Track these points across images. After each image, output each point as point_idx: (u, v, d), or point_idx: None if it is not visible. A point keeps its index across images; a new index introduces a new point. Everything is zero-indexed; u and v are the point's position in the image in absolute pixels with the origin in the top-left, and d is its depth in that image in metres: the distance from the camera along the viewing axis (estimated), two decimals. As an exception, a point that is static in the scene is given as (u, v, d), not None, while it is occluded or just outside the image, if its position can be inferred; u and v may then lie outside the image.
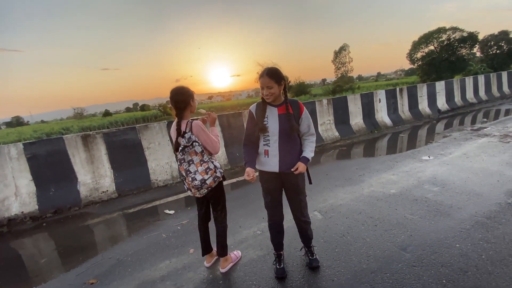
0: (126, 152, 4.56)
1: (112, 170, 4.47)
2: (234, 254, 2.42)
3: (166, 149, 4.84)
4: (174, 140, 2.07)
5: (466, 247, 2.17)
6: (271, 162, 1.95)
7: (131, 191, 4.47)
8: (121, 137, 4.53)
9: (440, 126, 7.15)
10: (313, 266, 2.13)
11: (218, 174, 2.06)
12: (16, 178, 3.93)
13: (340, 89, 45.21)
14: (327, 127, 6.55)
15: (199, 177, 1.98)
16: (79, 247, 3.06)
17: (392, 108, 7.71)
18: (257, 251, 2.48)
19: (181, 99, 2.02)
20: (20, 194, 3.94)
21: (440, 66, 28.86)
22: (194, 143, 1.97)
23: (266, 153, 1.94)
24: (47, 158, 4.08)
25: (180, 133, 2.00)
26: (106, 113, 79.62)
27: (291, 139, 1.93)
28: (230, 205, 2.49)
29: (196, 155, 1.99)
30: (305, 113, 2.02)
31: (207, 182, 2.00)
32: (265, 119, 1.92)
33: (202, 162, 2.00)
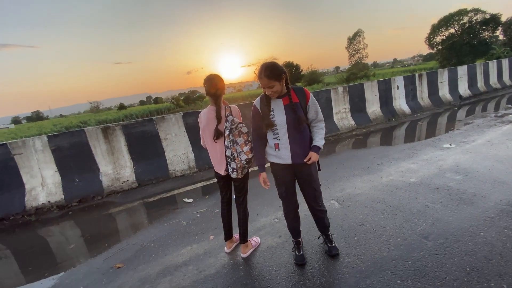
0: (144, 143, 4.68)
1: (131, 161, 4.61)
2: (254, 240, 2.47)
3: (183, 140, 4.93)
4: (211, 128, 2.13)
5: (491, 235, 2.11)
6: (282, 155, 1.94)
7: (150, 181, 4.61)
8: (139, 128, 4.64)
9: (461, 113, 6.85)
10: (332, 254, 2.14)
11: (251, 155, 2.11)
12: (42, 169, 4.14)
13: (354, 76, 43.98)
14: (343, 116, 6.43)
15: (244, 156, 2.06)
16: (104, 234, 3.22)
17: (411, 95, 7.44)
18: (276, 239, 2.52)
19: (221, 85, 2.10)
20: (47, 185, 4.15)
21: (461, 50, 27.41)
22: (239, 125, 2.07)
23: (277, 146, 1.93)
24: (70, 149, 4.26)
25: (220, 120, 2.08)
26: (121, 107, 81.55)
27: (300, 129, 1.90)
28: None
29: (240, 136, 2.07)
30: (312, 99, 1.98)
31: (252, 160, 2.10)
32: (271, 113, 1.89)
33: (247, 142, 2.08)
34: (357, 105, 6.63)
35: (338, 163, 4.33)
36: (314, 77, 54.53)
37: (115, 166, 4.51)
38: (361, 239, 2.31)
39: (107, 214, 3.76)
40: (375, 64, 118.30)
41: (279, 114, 1.87)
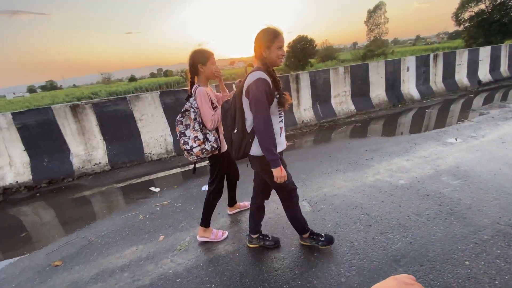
0: (118, 124, 4.36)
1: (104, 142, 4.33)
2: (218, 234, 2.33)
3: (160, 121, 4.57)
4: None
5: (478, 266, 1.72)
6: (283, 139, 1.78)
7: (124, 164, 4.36)
8: (112, 107, 4.30)
9: (477, 101, 6.12)
10: (278, 241, 2.13)
11: (207, 147, 1.99)
12: (9, 148, 3.92)
13: (371, 54, 41.52)
14: (342, 100, 5.85)
15: (190, 142, 1.99)
16: (61, 222, 3.02)
17: (422, 78, 6.69)
18: (228, 246, 2.22)
19: (190, 62, 1.98)
20: (15, 164, 3.96)
21: (490, 28, 24.93)
22: (190, 109, 1.95)
23: (281, 130, 1.73)
24: (38, 128, 4.00)
25: (187, 97, 2.01)
26: (132, 79, 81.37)
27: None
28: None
29: (191, 121, 1.98)
30: None
31: (194, 150, 1.99)
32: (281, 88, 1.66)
33: (193, 130, 1.98)
34: (360, 88, 6.00)
35: (325, 154, 3.91)
36: (329, 53, 51.99)
37: (86, 147, 4.25)
38: (320, 256, 1.96)
39: (71, 199, 3.56)
40: (395, 41, 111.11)
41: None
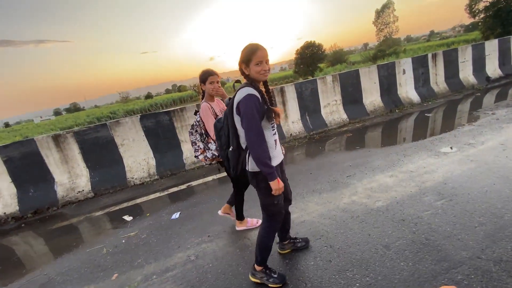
0: (100, 150, 4.39)
1: (87, 169, 4.36)
2: (253, 222, 2.65)
3: (142, 145, 4.56)
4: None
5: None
6: (279, 151, 1.79)
7: (107, 190, 4.35)
8: (93, 135, 4.34)
9: (484, 100, 5.63)
10: (308, 240, 2.19)
11: (209, 155, 2.33)
12: (-5, 181, 4.04)
13: (382, 54, 40.49)
14: (333, 109, 5.59)
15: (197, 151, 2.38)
16: (32, 256, 3.01)
17: (422, 79, 6.28)
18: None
19: (200, 78, 2.31)
20: (3, 196, 4.06)
21: (508, 17, 23.49)
22: (197, 123, 2.32)
23: (276, 143, 1.72)
24: (22, 160, 4.10)
25: (195, 112, 2.40)
26: (148, 96, 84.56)
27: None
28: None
29: (196, 133, 2.36)
30: None
31: (199, 157, 2.37)
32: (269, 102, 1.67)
33: (197, 140, 2.36)
34: (351, 95, 5.72)
35: (306, 172, 3.68)
36: (338, 57, 51.44)
37: (70, 175, 4.29)
38: (265, 302, 1.75)
39: (50, 230, 3.56)
40: (408, 38, 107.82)
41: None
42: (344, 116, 5.61)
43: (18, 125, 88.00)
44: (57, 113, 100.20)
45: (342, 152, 4.26)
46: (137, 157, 4.55)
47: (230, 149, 1.70)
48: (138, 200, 3.90)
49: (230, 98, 1.74)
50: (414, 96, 6.17)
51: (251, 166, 1.66)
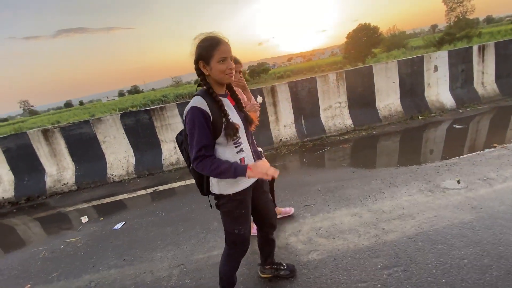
0: (84, 146, 4.53)
1: (73, 163, 4.57)
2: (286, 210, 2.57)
3: (123, 143, 4.56)
4: None
5: None
6: None
7: (88, 184, 4.51)
8: (77, 131, 4.48)
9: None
10: (294, 269, 1.88)
11: None
12: (-2, 168, 4.49)
13: (450, 38, 34.67)
14: (335, 113, 4.81)
15: None
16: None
17: (461, 79, 4.97)
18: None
19: None
20: (3, 182, 4.51)
21: None
22: None
23: (243, 162, 1.40)
24: (18, 150, 4.46)
25: None
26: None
27: (250, 131, 1.48)
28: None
29: None
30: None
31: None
32: (228, 114, 1.35)
33: None
34: (361, 97, 4.82)
35: (269, 191, 3.19)
36: (396, 41, 46.00)
37: (58, 168, 4.55)
38: None
39: (27, 219, 3.83)
40: (488, 19, 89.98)
41: (234, 116, 1.37)
42: (349, 121, 4.79)
43: (90, 103, 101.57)
44: (120, 94, 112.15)
45: (321, 169, 3.62)
46: (118, 154, 4.59)
47: (190, 168, 1.44)
48: (107, 200, 3.93)
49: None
50: (448, 100, 4.94)
51: (216, 188, 1.42)
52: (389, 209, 2.43)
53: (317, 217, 2.50)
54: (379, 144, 4.14)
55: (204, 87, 1.34)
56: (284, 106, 4.69)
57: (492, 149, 3.25)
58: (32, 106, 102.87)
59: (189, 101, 1.33)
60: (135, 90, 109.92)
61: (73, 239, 3.01)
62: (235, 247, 1.54)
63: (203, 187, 1.48)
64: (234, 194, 1.40)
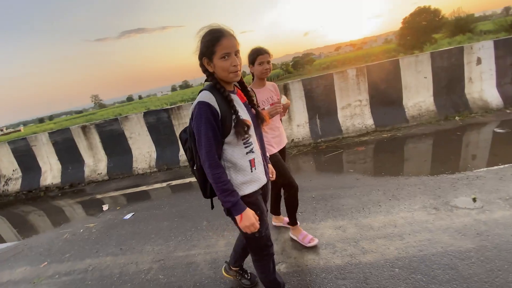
0: (114, 141, 5.07)
1: (106, 156, 5.15)
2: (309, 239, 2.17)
3: (146, 139, 4.97)
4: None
5: None
6: (259, 173, 1.35)
7: (117, 175, 5.05)
8: (108, 127, 5.02)
9: None
10: (256, 283, 1.85)
11: None
12: (49, 158, 5.31)
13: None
14: (355, 112, 4.46)
15: None
16: (31, 227, 3.87)
17: (510, 74, 4.13)
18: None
19: (248, 64, 2.00)
20: (53, 170, 5.34)
21: None
22: None
23: (253, 164, 1.30)
24: (64, 143, 5.21)
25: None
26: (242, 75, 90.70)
27: (259, 129, 1.40)
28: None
29: None
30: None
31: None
32: (238, 112, 1.26)
33: None
34: (385, 94, 4.37)
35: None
36: (462, 24, 40.00)
37: (94, 160, 5.19)
38: None
39: (67, 203, 4.49)
40: None
41: (244, 114, 1.27)
42: (370, 121, 4.40)
43: (147, 98, 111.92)
44: (173, 89, 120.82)
45: (324, 174, 3.42)
46: (142, 150, 5.02)
47: (195, 167, 1.33)
48: (129, 190, 4.36)
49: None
50: (493, 98, 4.16)
51: None
52: (379, 225, 2.20)
53: (285, 235, 2.40)
54: (398, 148, 3.73)
55: (207, 85, 1.26)
56: (298, 104, 4.52)
57: (535, 161, 2.67)
58: (101, 100, 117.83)
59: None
60: (185, 85, 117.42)
61: (91, 224, 3.44)
62: (261, 252, 1.43)
63: (207, 189, 1.35)
64: (243, 197, 1.28)
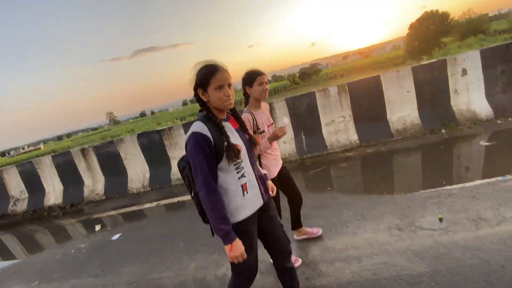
0: (111, 162, 5.30)
1: (104, 177, 5.39)
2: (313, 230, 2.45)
3: (140, 160, 5.18)
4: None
5: None
6: (252, 197, 1.39)
7: (114, 195, 5.25)
8: (105, 149, 5.28)
9: None
10: None
11: None
12: (52, 179, 5.62)
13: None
14: (339, 128, 4.50)
15: None
16: (30, 246, 4.08)
17: (501, 82, 4.05)
18: None
19: (242, 86, 1.98)
20: (55, 190, 5.63)
21: None
22: None
23: (245, 188, 1.35)
24: (65, 166, 5.50)
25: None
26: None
27: (253, 153, 1.45)
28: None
29: None
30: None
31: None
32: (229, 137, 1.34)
33: None
34: (368, 109, 4.39)
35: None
36: (474, 26, 39.27)
37: (93, 180, 5.44)
38: None
39: (64, 223, 4.72)
40: None
41: (235, 139, 1.35)
42: (354, 136, 4.42)
43: (159, 113, 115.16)
44: (184, 103, 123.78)
45: (303, 192, 3.42)
46: (137, 170, 5.22)
47: (192, 194, 1.39)
48: (122, 210, 4.54)
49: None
50: (482, 108, 4.09)
51: None
52: (342, 247, 2.22)
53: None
54: (380, 164, 3.73)
55: (205, 112, 1.35)
56: (283, 122, 4.60)
57: (511, 177, 2.61)
58: (116, 117, 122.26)
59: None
60: (196, 100, 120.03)
61: (82, 245, 3.59)
62: (240, 277, 1.49)
63: (205, 215, 1.38)
64: (237, 224, 1.34)
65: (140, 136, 5.11)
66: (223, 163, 1.30)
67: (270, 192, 1.54)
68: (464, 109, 4.17)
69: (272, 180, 1.94)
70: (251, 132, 1.66)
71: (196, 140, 1.25)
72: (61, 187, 5.59)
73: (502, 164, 2.92)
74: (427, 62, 4.27)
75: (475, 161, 3.19)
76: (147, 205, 4.44)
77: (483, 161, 3.15)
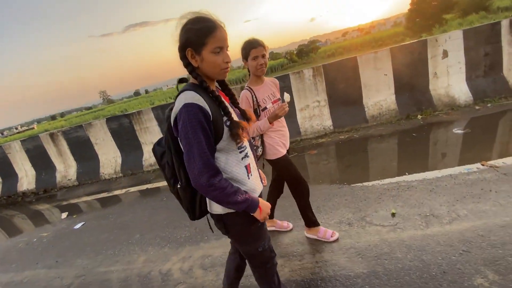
0: (82, 147, 5.14)
1: (75, 162, 5.25)
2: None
3: (111, 145, 5.02)
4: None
5: None
6: (255, 179, 1.21)
7: (86, 180, 5.15)
8: (74, 134, 5.09)
9: None
10: None
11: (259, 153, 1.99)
12: (23, 165, 5.47)
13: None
14: (313, 113, 4.32)
15: None
16: (5, 231, 4.04)
17: (484, 65, 3.84)
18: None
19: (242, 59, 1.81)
20: (28, 176, 5.50)
21: None
22: None
23: (249, 169, 1.16)
24: (35, 150, 5.33)
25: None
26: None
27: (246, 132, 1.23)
28: None
29: None
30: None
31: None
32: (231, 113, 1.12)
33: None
34: (344, 94, 4.20)
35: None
36: (476, 2, 37.77)
37: (65, 165, 5.30)
38: None
39: (34, 209, 4.65)
40: None
41: (234, 114, 1.14)
42: (329, 122, 4.25)
43: (153, 91, 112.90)
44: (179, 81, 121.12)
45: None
46: (108, 155, 5.08)
47: (179, 185, 1.15)
48: (92, 197, 4.45)
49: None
50: (461, 93, 3.91)
51: (214, 206, 1.15)
52: (289, 242, 2.15)
53: (216, 243, 2.38)
54: (350, 151, 3.61)
55: (194, 81, 1.06)
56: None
57: (476, 169, 2.50)
58: (109, 96, 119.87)
59: (171, 103, 1.07)
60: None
61: (45, 233, 3.53)
62: (265, 266, 1.28)
63: (195, 210, 1.18)
64: (244, 211, 1.12)
65: (109, 121, 4.91)
66: (223, 144, 1.05)
67: (263, 182, 1.35)
68: (443, 94, 3.99)
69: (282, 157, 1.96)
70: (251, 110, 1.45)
71: (192, 113, 0.96)
72: (33, 172, 5.46)
73: (472, 154, 2.81)
74: (407, 42, 4.00)
75: (445, 150, 3.08)
76: (116, 192, 4.35)
77: (452, 150, 3.03)
